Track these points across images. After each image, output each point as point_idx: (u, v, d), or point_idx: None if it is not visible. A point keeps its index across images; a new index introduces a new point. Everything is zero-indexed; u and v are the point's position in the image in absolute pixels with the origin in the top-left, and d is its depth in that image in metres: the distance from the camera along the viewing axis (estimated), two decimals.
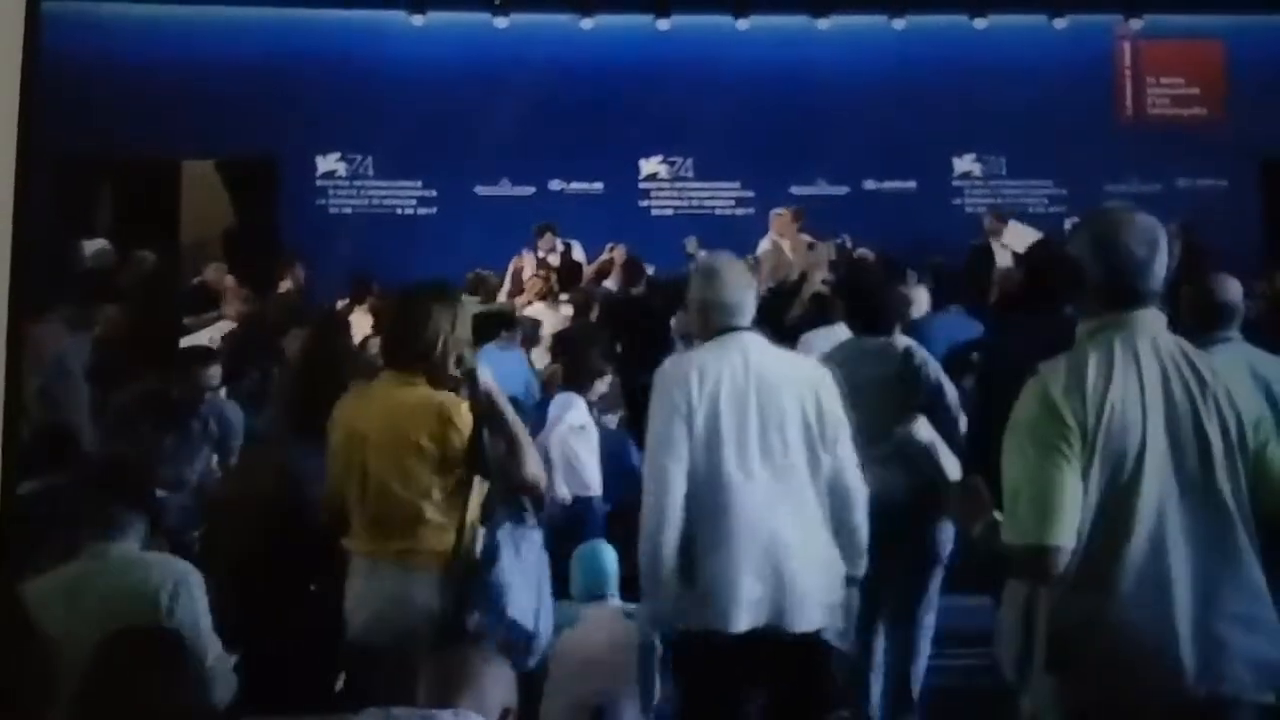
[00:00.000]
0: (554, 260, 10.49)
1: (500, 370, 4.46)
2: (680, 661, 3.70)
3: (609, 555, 4.73)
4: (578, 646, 4.41)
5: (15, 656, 2.61)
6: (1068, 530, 2.63)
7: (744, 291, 3.80)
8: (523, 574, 3.70)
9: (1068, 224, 10.84)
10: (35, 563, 3.61)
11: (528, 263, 10.25)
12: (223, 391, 6.31)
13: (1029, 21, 12.55)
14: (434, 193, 12.46)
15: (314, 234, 11.64)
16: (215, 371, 6.10)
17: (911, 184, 12.42)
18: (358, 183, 12.43)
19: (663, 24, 12.44)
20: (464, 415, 3.66)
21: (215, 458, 5.90)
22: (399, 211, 12.47)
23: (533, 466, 3.74)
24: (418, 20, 12.26)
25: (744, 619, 3.54)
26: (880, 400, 4.46)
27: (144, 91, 11.14)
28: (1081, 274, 2.82)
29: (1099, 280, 2.80)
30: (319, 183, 12.37)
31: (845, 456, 3.70)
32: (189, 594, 3.52)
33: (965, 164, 12.74)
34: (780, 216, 10.92)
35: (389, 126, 11.97)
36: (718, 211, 12.53)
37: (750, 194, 12.59)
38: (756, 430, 3.60)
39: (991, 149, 12.60)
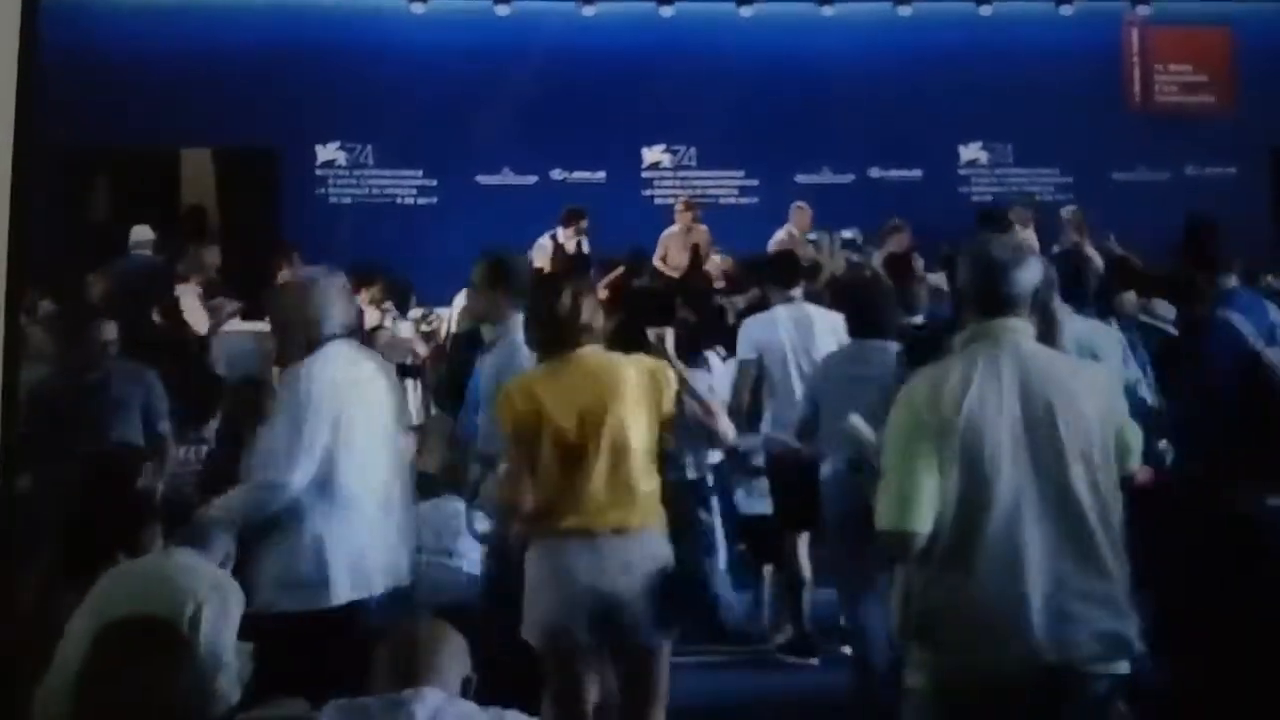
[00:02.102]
0: (570, 249, 10.39)
1: None
2: None
3: None
4: None
5: None
6: (923, 518, 2.98)
7: None
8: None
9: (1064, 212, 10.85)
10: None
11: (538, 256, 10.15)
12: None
13: (1036, 8, 12.50)
14: (435, 182, 12.41)
15: (314, 224, 11.57)
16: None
17: (917, 172, 12.37)
18: (358, 172, 12.38)
19: (666, 11, 12.38)
20: (672, 380, 3.98)
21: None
22: (400, 201, 12.41)
23: (724, 423, 4.27)
24: (418, 8, 12.18)
25: None
26: (878, 400, 4.54)
27: (142, 81, 11.10)
28: (958, 288, 3.24)
29: (969, 292, 3.18)
30: (319, 172, 12.32)
31: None
32: (220, 608, 3.57)
33: (971, 152, 12.69)
34: (801, 210, 11.04)
35: (389, 115, 11.90)
36: (721, 201, 12.46)
37: (754, 183, 12.55)
38: None
39: (998, 137, 12.56)
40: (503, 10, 12.19)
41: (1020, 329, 3.12)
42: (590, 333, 3.96)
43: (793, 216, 11.03)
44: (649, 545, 3.87)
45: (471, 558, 4.96)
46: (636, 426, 3.88)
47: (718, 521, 4.26)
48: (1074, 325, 4.69)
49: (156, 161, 11.87)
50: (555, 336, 3.99)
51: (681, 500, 3.95)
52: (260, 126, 11.67)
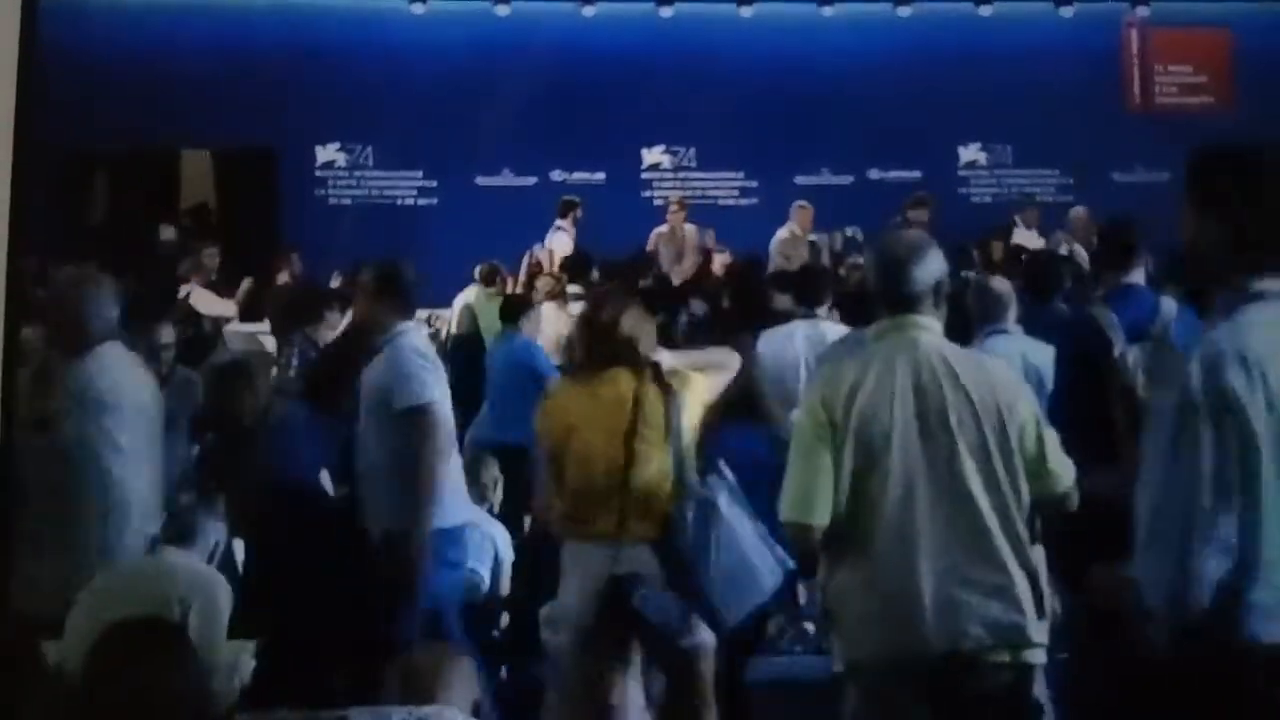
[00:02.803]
0: (558, 247, 10.38)
1: None
2: None
3: None
4: None
5: None
6: (820, 512, 3.09)
7: None
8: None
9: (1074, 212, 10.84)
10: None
11: (542, 257, 10.17)
12: None
13: (1035, 9, 12.51)
14: (435, 183, 12.40)
15: (313, 225, 11.56)
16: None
17: (917, 173, 12.31)
18: (358, 173, 12.37)
19: (665, 12, 12.38)
20: (700, 390, 4.09)
21: None
22: (399, 202, 12.41)
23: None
24: (418, 9, 12.17)
25: None
26: None
27: (142, 82, 11.08)
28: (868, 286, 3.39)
29: (874, 289, 3.30)
30: (318, 173, 12.31)
31: None
32: (207, 609, 3.59)
33: (971, 153, 12.70)
34: (804, 210, 11.05)
35: (389, 116, 11.90)
36: (721, 202, 12.46)
37: (754, 184, 12.54)
38: None
39: (998, 138, 12.56)
40: (502, 11, 12.17)
41: (922, 325, 3.19)
42: (630, 347, 4.04)
43: (794, 215, 11.05)
44: (667, 554, 3.95)
45: (473, 556, 4.98)
46: (660, 442, 3.97)
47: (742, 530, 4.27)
48: (1019, 343, 4.94)
49: (156, 162, 11.86)
50: (592, 350, 4.10)
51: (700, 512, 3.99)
52: (260, 127, 11.65)
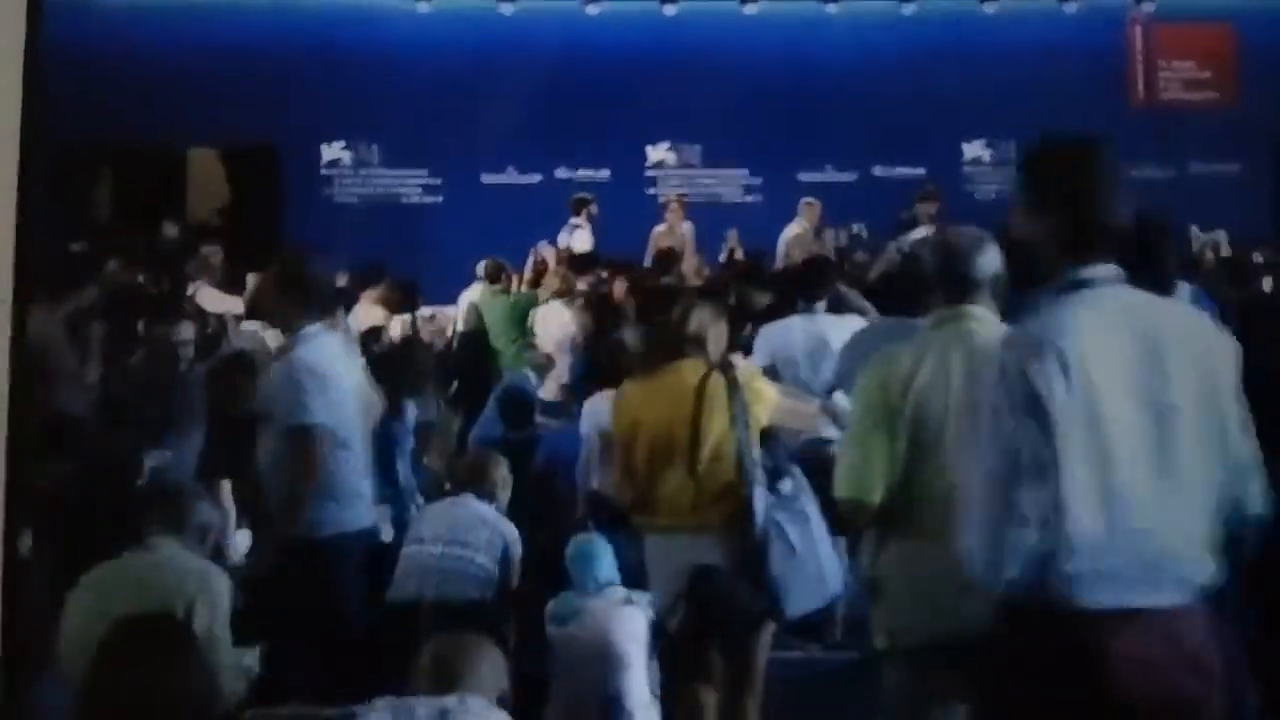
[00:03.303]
0: (578, 245, 10.38)
1: None
2: None
3: (602, 546, 4.77)
4: (583, 638, 4.48)
5: None
6: (875, 490, 3.21)
7: None
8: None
9: None
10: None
11: (549, 255, 10.16)
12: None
13: (1039, 5, 12.50)
14: (440, 181, 12.43)
15: (318, 223, 11.57)
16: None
17: (921, 170, 12.28)
18: (363, 171, 12.40)
19: (669, 9, 12.39)
20: (765, 393, 4.24)
21: None
22: (404, 200, 12.43)
23: (819, 421, 4.44)
24: (423, 7, 12.21)
25: None
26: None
27: (148, 80, 11.11)
28: (924, 277, 3.49)
29: (935, 279, 3.38)
30: (324, 171, 12.35)
31: None
32: (210, 604, 3.58)
33: (975, 150, 12.71)
34: (811, 206, 11.02)
35: (394, 114, 11.92)
36: (725, 199, 12.47)
37: (758, 181, 12.56)
38: None
39: (1001, 134, 12.50)
40: (507, 9, 12.20)
41: (979, 315, 3.29)
42: (697, 343, 4.16)
43: (802, 212, 11.01)
44: (729, 544, 4.04)
45: (483, 552, 5.03)
46: (725, 425, 4.06)
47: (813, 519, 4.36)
48: None
49: (161, 161, 11.88)
50: (659, 345, 4.27)
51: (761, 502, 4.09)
52: (265, 125, 11.67)
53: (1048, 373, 2.41)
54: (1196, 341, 2.53)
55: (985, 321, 3.28)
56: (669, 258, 9.68)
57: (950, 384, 3.18)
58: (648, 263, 10.60)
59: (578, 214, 10.66)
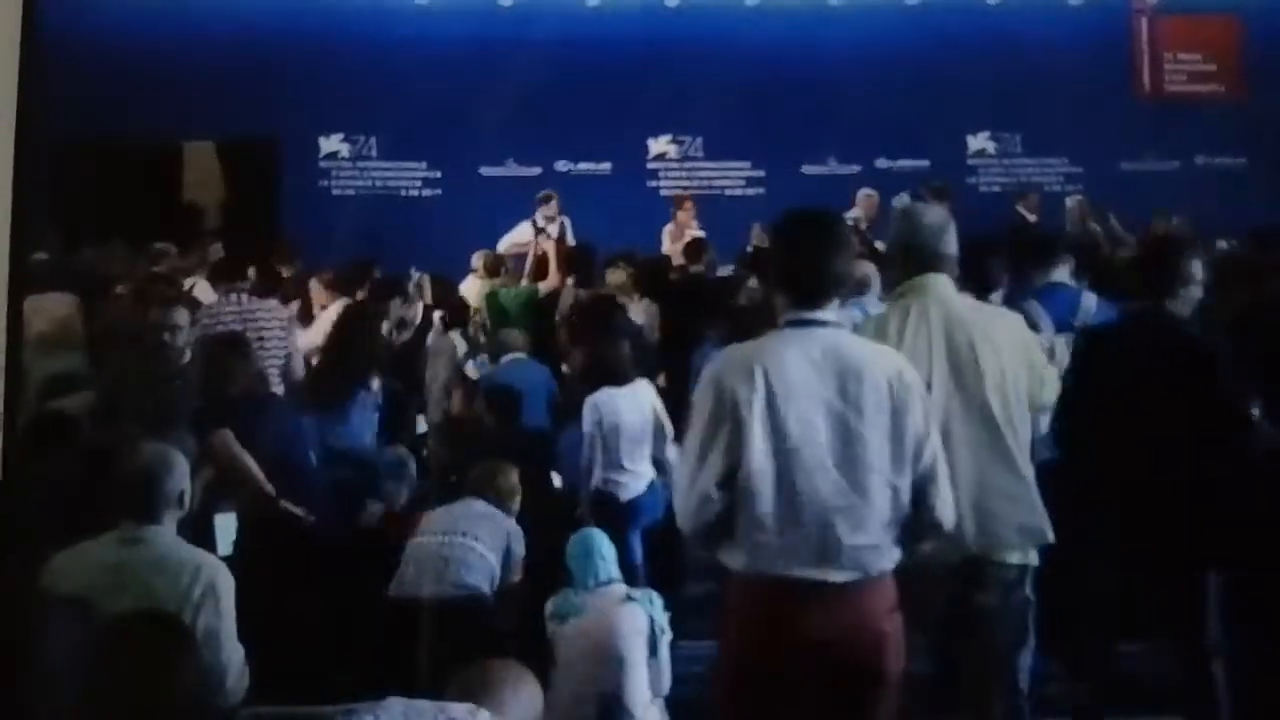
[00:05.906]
0: (553, 231, 10.26)
1: None
2: None
3: (602, 541, 4.80)
4: (583, 635, 4.53)
5: None
6: None
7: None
8: None
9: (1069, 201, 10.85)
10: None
11: (547, 247, 10.05)
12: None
13: None
14: (439, 174, 12.38)
15: (316, 216, 11.49)
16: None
17: (925, 163, 12.22)
18: (361, 164, 12.34)
19: (671, 0, 12.28)
20: None
21: None
22: (403, 193, 12.38)
23: None
24: None
25: None
26: None
27: (144, 72, 11.04)
28: (891, 252, 4.06)
29: (904, 251, 3.87)
30: (322, 164, 12.29)
31: None
32: (216, 600, 3.58)
33: (979, 142, 12.63)
34: (870, 198, 10.96)
35: (393, 107, 11.81)
36: (727, 192, 12.41)
37: (760, 173, 12.48)
38: None
39: (1006, 127, 12.47)
40: (506, 0, 12.10)
41: (944, 282, 3.78)
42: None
43: (860, 203, 10.93)
44: None
45: (485, 543, 5.10)
46: None
47: None
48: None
49: (158, 153, 11.81)
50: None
51: None
52: (262, 118, 11.59)
53: (743, 388, 3.08)
54: (887, 370, 3.16)
55: (949, 287, 3.78)
56: (699, 248, 9.57)
57: (932, 341, 3.64)
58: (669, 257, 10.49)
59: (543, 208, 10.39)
